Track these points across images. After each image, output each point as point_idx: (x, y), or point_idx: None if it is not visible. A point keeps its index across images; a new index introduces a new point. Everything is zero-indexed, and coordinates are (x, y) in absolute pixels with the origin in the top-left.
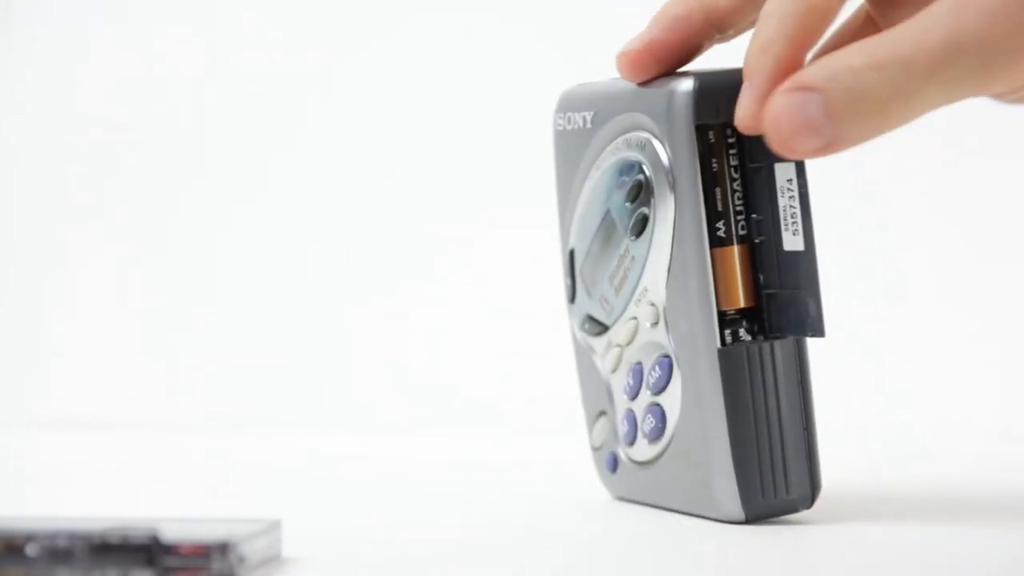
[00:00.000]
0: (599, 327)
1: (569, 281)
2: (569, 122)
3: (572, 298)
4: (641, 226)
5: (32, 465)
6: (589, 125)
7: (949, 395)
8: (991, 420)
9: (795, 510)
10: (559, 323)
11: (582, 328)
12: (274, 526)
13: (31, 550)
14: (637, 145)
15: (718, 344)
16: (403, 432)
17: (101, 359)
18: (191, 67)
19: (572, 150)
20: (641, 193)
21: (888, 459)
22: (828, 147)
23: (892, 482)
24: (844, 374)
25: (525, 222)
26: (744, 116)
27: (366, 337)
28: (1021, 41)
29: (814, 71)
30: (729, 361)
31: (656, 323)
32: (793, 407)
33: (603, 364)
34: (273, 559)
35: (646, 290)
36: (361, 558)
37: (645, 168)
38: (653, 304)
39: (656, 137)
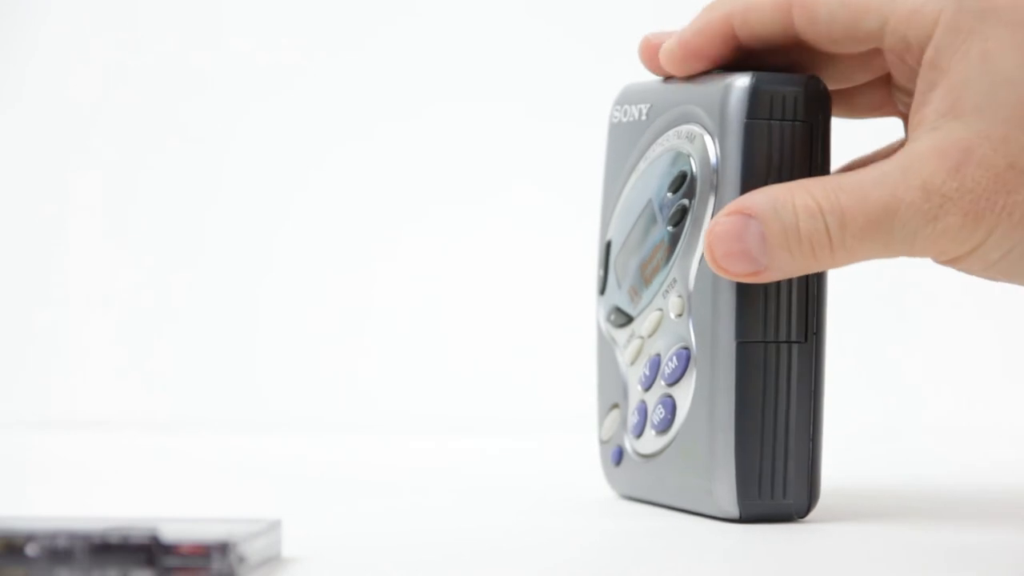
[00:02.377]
0: (624, 318)
1: (602, 272)
2: (626, 114)
3: (602, 290)
4: (679, 217)
5: (32, 465)
6: (644, 117)
7: (951, 395)
8: (994, 420)
9: (790, 517)
10: (560, 324)
11: (608, 319)
12: (274, 526)
13: (31, 550)
14: (687, 137)
15: (736, 339)
16: (403, 432)
17: (100, 359)
18: (185, 62)
19: (625, 142)
20: (684, 184)
21: (887, 459)
22: (756, 274)
23: (891, 482)
24: (848, 374)
25: (526, 223)
26: (667, 46)
27: (366, 337)
28: (954, 220)
29: (760, 199)
30: (745, 357)
31: (681, 314)
32: (802, 414)
33: (623, 356)
34: (273, 559)
35: (675, 281)
36: (361, 558)
37: (692, 161)
38: (680, 296)
39: (707, 131)
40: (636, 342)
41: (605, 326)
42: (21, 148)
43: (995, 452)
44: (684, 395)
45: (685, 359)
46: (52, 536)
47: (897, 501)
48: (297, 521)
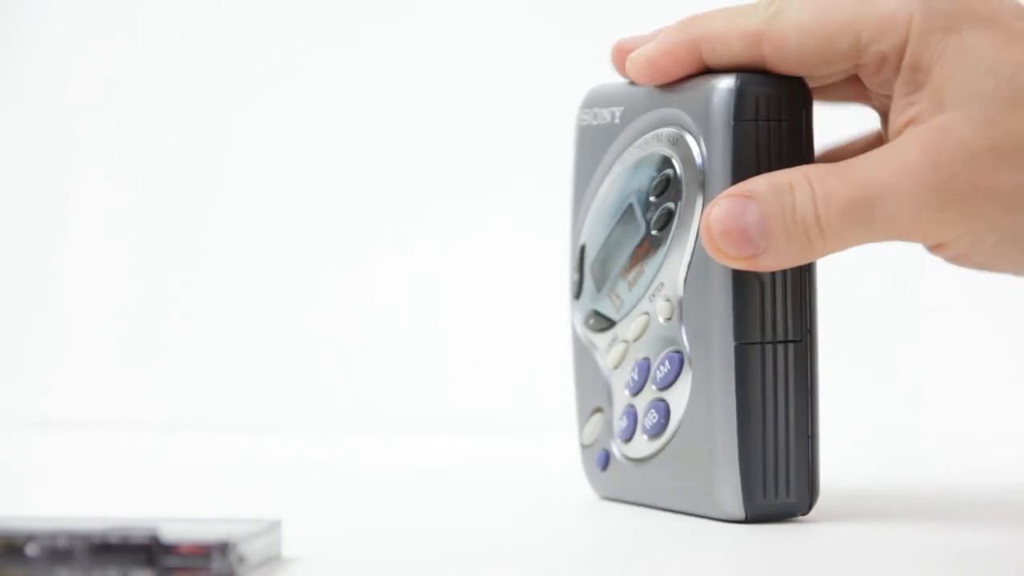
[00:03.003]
0: (605, 322)
1: (576, 277)
2: (595, 118)
3: (577, 294)
4: (665, 220)
5: (32, 465)
6: (617, 120)
7: (952, 396)
8: (996, 421)
9: (792, 515)
10: (560, 324)
11: (586, 324)
12: (274, 526)
13: (31, 550)
14: (669, 140)
15: (734, 341)
16: (403, 432)
17: (101, 359)
18: (185, 62)
19: (596, 145)
20: (668, 188)
21: (888, 459)
22: (754, 259)
23: (892, 482)
24: (848, 373)
25: (526, 223)
26: (634, 57)
27: (366, 337)
28: (933, 199)
29: (759, 181)
30: (744, 358)
31: (670, 318)
32: (800, 412)
33: (605, 360)
34: (273, 559)
35: (662, 285)
36: (361, 558)
37: (675, 163)
38: (669, 299)
39: (691, 133)
40: (620, 346)
41: (582, 330)
42: (21, 148)
43: (997, 453)
44: (679, 399)
45: (678, 363)
46: (52, 536)
47: (899, 502)
48: (297, 521)
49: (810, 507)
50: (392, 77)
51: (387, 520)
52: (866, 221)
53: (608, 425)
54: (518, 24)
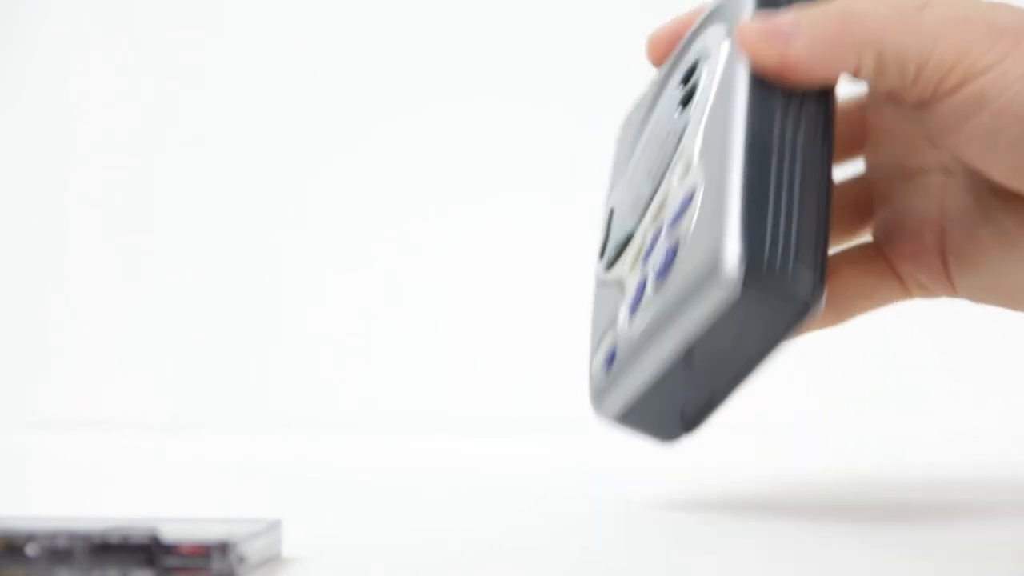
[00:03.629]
0: (626, 243)
1: (604, 236)
2: (629, 123)
3: (602, 253)
4: (688, 97)
5: (32, 465)
6: (650, 97)
7: (955, 392)
8: (993, 418)
9: (794, 299)
10: (561, 324)
11: (608, 267)
12: (274, 526)
13: (31, 550)
14: (694, 53)
15: (748, 129)
16: (403, 432)
17: (101, 359)
18: (186, 62)
19: (632, 128)
20: (694, 74)
21: (889, 456)
22: (787, 50)
23: (890, 478)
24: (852, 370)
25: (526, 223)
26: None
27: (366, 337)
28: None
29: (781, 17)
30: (760, 105)
31: (687, 171)
32: (811, 174)
33: (624, 265)
34: (273, 559)
35: (683, 152)
36: (361, 558)
37: (699, 63)
38: (689, 162)
39: (714, 49)
40: (638, 240)
41: (603, 275)
42: (21, 148)
43: (997, 451)
44: (687, 226)
45: (688, 197)
46: (52, 536)
47: (898, 499)
48: (297, 521)
49: (815, 295)
50: (392, 78)
51: (387, 520)
52: None
53: (613, 321)
54: (519, 25)
